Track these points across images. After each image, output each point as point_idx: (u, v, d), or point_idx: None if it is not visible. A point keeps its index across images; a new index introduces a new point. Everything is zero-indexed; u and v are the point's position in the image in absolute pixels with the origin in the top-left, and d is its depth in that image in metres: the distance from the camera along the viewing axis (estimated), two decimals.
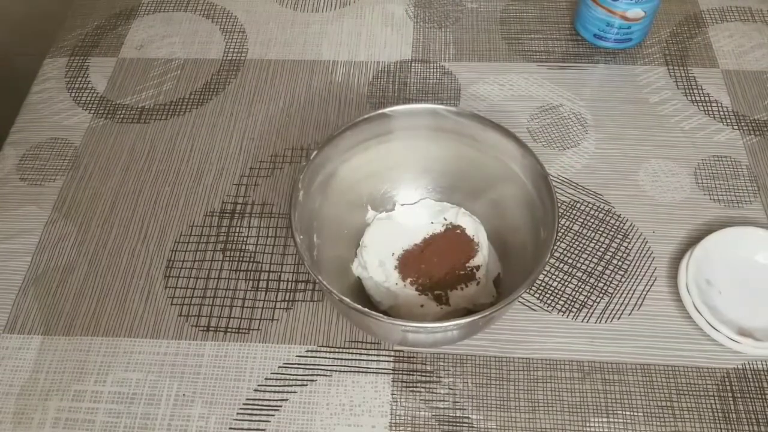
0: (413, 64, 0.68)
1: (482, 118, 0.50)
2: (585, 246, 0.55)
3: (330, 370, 0.50)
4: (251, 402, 0.49)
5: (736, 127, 0.62)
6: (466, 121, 0.50)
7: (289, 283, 0.54)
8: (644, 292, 0.53)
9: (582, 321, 0.52)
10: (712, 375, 0.49)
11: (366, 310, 0.42)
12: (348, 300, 0.42)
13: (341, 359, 0.50)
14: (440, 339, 0.49)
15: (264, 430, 0.48)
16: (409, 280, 0.51)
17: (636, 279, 0.53)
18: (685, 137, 0.62)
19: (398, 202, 0.56)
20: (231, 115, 0.65)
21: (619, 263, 0.54)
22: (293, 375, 0.50)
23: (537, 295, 0.53)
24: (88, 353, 0.51)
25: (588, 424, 0.47)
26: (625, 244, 0.55)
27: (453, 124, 0.51)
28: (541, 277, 0.54)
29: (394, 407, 0.48)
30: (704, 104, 0.64)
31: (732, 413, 0.48)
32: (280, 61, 0.69)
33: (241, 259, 0.56)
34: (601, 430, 0.47)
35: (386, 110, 0.50)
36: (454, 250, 0.53)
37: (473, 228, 0.53)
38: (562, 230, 0.56)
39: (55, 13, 0.79)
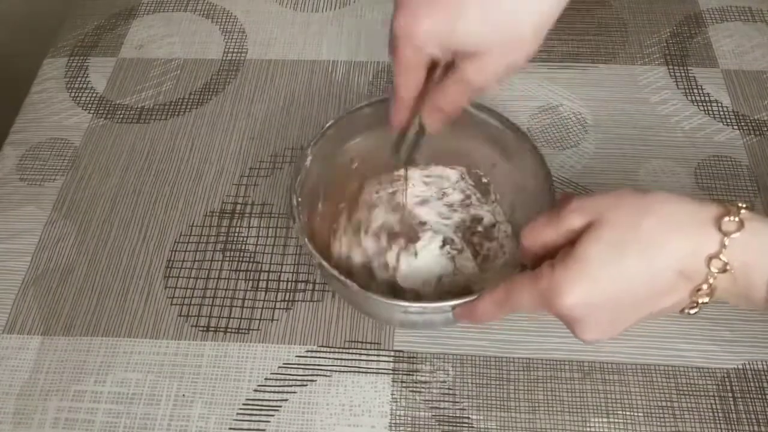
0: None
1: (498, 114, 0.50)
2: None
3: (330, 371, 0.50)
4: (251, 402, 0.49)
5: (736, 127, 0.62)
6: (482, 114, 0.51)
7: (289, 283, 0.54)
8: None
9: None
10: (712, 375, 0.49)
11: (348, 281, 0.43)
12: (327, 265, 0.43)
13: (341, 359, 0.50)
14: (435, 320, 0.49)
15: (264, 430, 0.48)
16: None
17: None
18: (685, 137, 0.62)
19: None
20: (231, 115, 0.65)
21: None
22: (293, 375, 0.50)
23: None
24: (87, 353, 0.51)
25: (588, 424, 0.47)
26: None
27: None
28: None
29: (394, 407, 0.48)
30: (704, 104, 0.64)
31: (732, 413, 0.48)
32: (280, 61, 0.69)
33: (241, 259, 0.56)
34: (601, 430, 0.47)
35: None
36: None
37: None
38: None
39: (55, 13, 0.79)
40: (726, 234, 0.33)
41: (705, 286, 0.34)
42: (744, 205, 0.33)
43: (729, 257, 0.33)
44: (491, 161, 0.53)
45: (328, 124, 0.50)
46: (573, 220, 0.36)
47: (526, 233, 0.38)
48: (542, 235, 0.37)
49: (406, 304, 0.43)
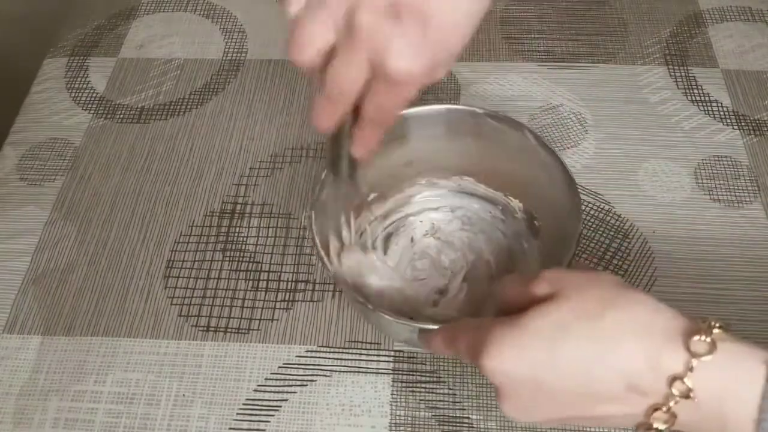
0: None
1: (519, 124, 0.49)
2: (585, 246, 0.55)
3: (330, 371, 0.50)
4: (251, 402, 0.49)
5: (736, 127, 0.62)
6: (503, 126, 0.50)
7: (289, 283, 0.54)
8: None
9: None
10: None
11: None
12: (327, 261, 0.43)
13: (341, 359, 0.50)
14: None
15: (264, 430, 0.48)
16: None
17: (636, 279, 0.53)
18: (685, 137, 0.62)
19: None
20: (231, 115, 0.65)
21: (619, 263, 0.54)
22: (293, 375, 0.50)
23: None
24: (88, 353, 0.51)
25: (588, 424, 0.47)
26: (625, 244, 0.55)
27: (478, 125, 0.50)
28: None
29: (393, 407, 0.48)
30: (704, 104, 0.64)
31: None
32: (280, 61, 0.69)
33: (241, 259, 0.56)
34: (601, 430, 0.47)
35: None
36: None
37: None
38: None
39: (55, 13, 0.78)
40: (694, 355, 0.29)
41: (664, 409, 0.30)
42: (717, 324, 0.29)
43: (694, 383, 0.29)
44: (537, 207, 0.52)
45: None
46: (539, 287, 0.33)
47: (499, 286, 0.36)
48: (509, 292, 0.35)
49: (390, 318, 0.42)
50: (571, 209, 0.46)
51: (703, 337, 0.29)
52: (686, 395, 0.29)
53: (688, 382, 0.29)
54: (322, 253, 0.44)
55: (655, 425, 0.30)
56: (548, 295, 0.32)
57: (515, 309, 0.33)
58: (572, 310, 0.31)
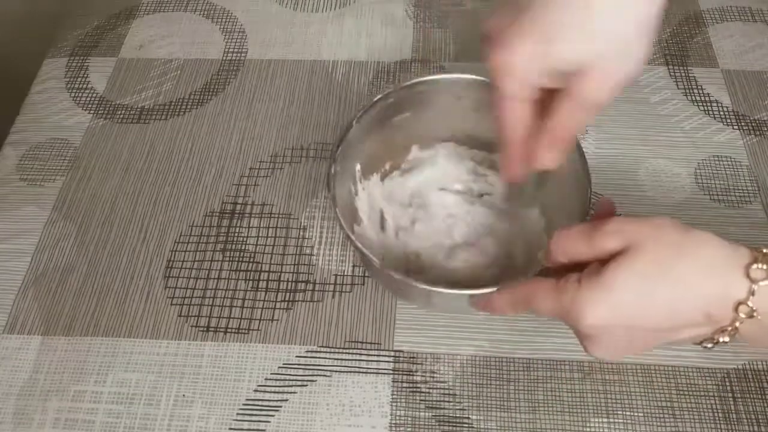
0: (413, 64, 0.68)
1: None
2: None
3: (330, 371, 0.50)
4: (251, 402, 0.49)
5: (736, 127, 0.62)
6: None
7: (289, 284, 0.54)
8: None
9: None
10: (712, 375, 0.49)
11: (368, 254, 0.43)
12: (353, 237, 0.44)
13: (341, 359, 0.50)
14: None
15: (264, 430, 0.48)
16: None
17: None
18: (685, 137, 0.62)
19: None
20: (231, 115, 0.65)
21: None
22: (293, 375, 0.50)
23: None
24: (87, 353, 0.51)
25: (588, 424, 0.47)
26: None
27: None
28: None
29: (394, 407, 0.48)
30: (704, 104, 0.64)
31: (732, 413, 0.48)
32: (280, 61, 0.69)
33: (241, 259, 0.56)
34: (601, 430, 0.47)
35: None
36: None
37: None
38: None
39: (55, 13, 0.78)
40: (754, 281, 0.33)
41: (730, 328, 0.34)
42: None
43: (756, 304, 0.33)
44: None
45: (376, 98, 0.50)
46: (609, 242, 0.35)
47: (558, 241, 0.37)
48: (574, 248, 0.37)
49: (424, 286, 0.42)
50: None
51: (760, 265, 0.33)
52: (750, 315, 0.33)
53: (751, 304, 0.33)
54: (363, 248, 0.44)
55: (721, 339, 0.35)
56: (621, 249, 0.35)
57: (583, 263, 0.36)
58: (650, 260, 0.34)
